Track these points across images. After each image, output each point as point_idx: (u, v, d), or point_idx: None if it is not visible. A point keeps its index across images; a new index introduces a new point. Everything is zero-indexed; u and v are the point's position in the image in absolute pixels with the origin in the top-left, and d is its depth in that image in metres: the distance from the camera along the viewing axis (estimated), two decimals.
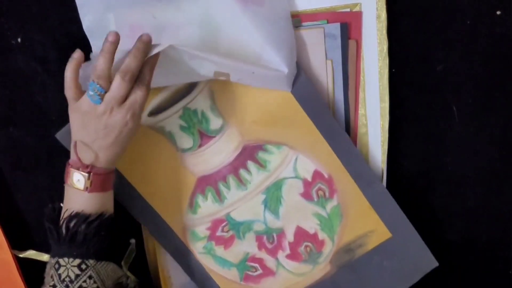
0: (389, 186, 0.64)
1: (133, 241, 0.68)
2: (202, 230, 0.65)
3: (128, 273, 0.68)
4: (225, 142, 0.63)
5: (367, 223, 0.65)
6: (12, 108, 0.66)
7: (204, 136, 0.63)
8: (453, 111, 0.64)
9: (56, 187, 0.67)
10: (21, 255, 0.68)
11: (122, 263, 0.68)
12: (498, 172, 0.65)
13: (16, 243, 0.68)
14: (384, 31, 0.62)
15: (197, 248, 0.66)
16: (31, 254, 0.68)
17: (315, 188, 0.64)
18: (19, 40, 0.65)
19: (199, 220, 0.65)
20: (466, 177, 0.66)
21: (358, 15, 0.62)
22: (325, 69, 0.62)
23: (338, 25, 0.61)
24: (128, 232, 0.69)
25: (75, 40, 0.64)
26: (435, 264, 0.65)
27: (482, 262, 0.67)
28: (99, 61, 0.52)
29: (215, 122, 0.62)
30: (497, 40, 0.62)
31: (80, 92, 0.54)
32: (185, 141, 0.63)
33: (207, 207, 0.64)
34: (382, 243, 0.65)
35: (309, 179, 0.64)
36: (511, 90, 0.64)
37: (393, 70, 0.63)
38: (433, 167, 0.66)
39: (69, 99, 0.55)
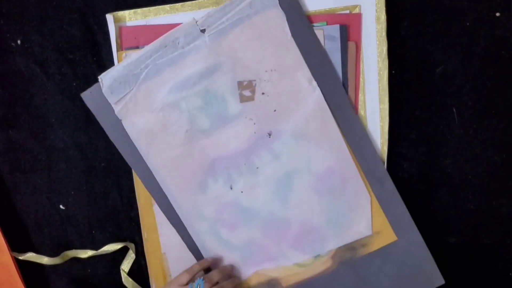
0: None
1: (132, 245, 0.68)
2: (209, 211, 0.65)
3: (130, 280, 0.68)
4: (242, 128, 0.63)
5: (374, 224, 0.65)
6: (11, 110, 0.66)
7: (221, 119, 0.63)
8: (453, 113, 0.64)
9: (55, 189, 0.67)
10: (20, 258, 0.68)
11: (122, 267, 0.68)
12: (498, 174, 0.65)
13: (15, 245, 0.68)
14: (384, 33, 0.62)
15: (202, 227, 0.66)
16: (30, 256, 0.68)
17: (327, 183, 0.64)
18: (18, 42, 0.65)
19: (207, 201, 0.65)
20: (466, 179, 0.66)
21: (357, 17, 0.62)
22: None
23: (337, 27, 0.61)
24: (128, 235, 0.68)
25: (75, 43, 0.65)
26: (441, 281, 0.65)
27: (482, 264, 0.67)
28: (210, 274, 0.62)
29: (234, 107, 0.62)
30: (496, 42, 0.62)
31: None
32: (202, 122, 0.63)
33: (217, 189, 0.64)
34: (386, 246, 0.65)
35: (322, 173, 0.64)
36: (511, 92, 0.64)
37: (393, 72, 0.63)
38: (433, 169, 0.65)
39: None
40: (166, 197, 0.65)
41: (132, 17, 0.63)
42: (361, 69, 0.63)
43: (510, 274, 0.67)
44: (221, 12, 0.60)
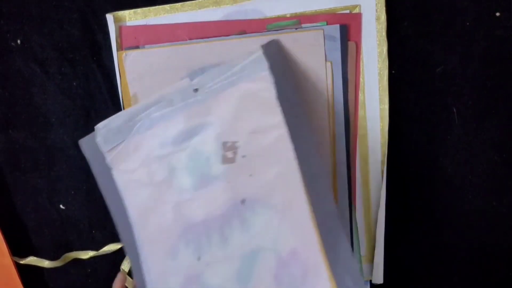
0: (389, 188, 0.64)
1: None
2: (175, 281, 0.60)
3: (130, 279, 0.68)
4: (220, 191, 0.59)
5: None
6: (11, 110, 0.66)
7: (203, 179, 0.59)
8: (453, 113, 0.64)
9: (56, 190, 0.67)
10: (21, 262, 0.68)
11: (122, 267, 0.68)
12: (499, 174, 0.65)
13: (15, 245, 0.68)
14: (384, 33, 0.62)
15: None
16: (32, 260, 0.68)
17: (288, 269, 0.57)
18: (18, 42, 0.65)
19: (176, 269, 0.60)
20: (466, 179, 0.66)
21: (357, 17, 0.62)
22: (324, 71, 0.62)
23: (337, 26, 0.61)
24: None
25: (75, 42, 0.65)
26: None
27: (482, 264, 0.67)
28: None
29: (216, 168, 0.59)
30: (497, 42, 0.62)
31: None
32: (185, 180, 0.60)
33: (186, 257, 0.59)
34: None
35: (285, 257, 0.57)
36: (511, 92, 0.64)
37: (393, 72, 0.63)
38: (433, 169, 0.65)
39: None
40: (138, 256, 0.61)
41: (132, 17, 0.63)
42: (361, 69, 0.63)
43: (510, 274, 0.67)
44: (214, 73, 0.59)
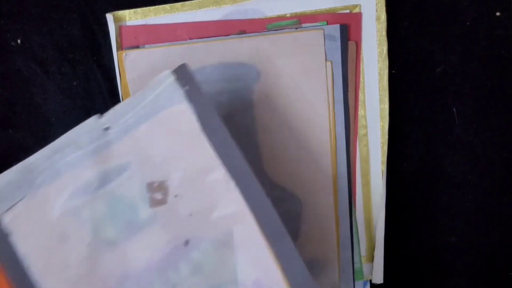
0: (389, 188, 0.64)
1: None
2: None
3: None
4: (153, 237, 0.53)
5: None
6: (11, 110, 0.66)
7: (130, 228, 0.53)
8: (453, 113, 0.64)
9: None
10: None
11: None
12: (499, 174, 0.65)
13: None
14: (384, 33, 0.62)
15: None
16: None
17: None
18: (18, 41, 0.65)
19: None
20: (466, 179, 0.66)
21: (357, 17, 0.62)
22: (324, 71, 0.62)
23: (337, 26, 0.61)
24: None
25: (75, 42, 0.65)
26: None
27: (482, 264, 0.67)
28: None
29: (144, 213, 0.53)
30: (496, 42, 0.62)
31: None
32: (108, 231, 0.53)
33: None
34: None
35: (250, 286, 0.53)
36: (511, 92, 0.64)
37: (393, 71, 0.63)
38: (433, 169, 0.65)
39: None
40: None
41: (132, 17, 0.63)
42: (361, 68, 0.63)
43: (510, 274, 0.67)
44: (126, 107, 0.54)
